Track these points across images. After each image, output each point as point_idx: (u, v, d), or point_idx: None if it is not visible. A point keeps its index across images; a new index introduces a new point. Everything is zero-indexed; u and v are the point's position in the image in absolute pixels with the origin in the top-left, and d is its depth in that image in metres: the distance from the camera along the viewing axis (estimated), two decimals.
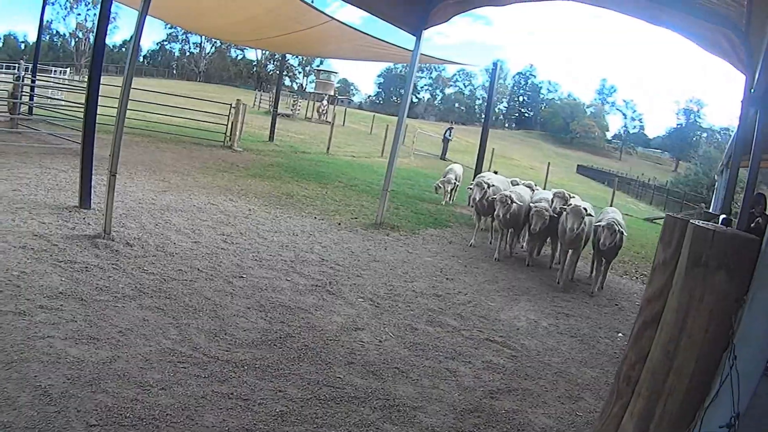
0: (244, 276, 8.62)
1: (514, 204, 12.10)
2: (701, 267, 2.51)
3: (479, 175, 15.74)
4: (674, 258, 2.69)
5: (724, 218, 8.80)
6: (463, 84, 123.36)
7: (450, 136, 42.02)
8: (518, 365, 7.00)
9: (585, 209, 10.99)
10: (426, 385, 6.09)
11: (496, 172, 18.38)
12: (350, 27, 17.12)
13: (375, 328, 7.42)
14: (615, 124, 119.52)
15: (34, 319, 6.15)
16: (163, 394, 5.17)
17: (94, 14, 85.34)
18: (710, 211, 24.50)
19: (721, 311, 2.49)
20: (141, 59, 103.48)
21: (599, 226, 11.01)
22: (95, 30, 10.71)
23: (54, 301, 6.65)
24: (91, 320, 6.38)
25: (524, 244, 13.98)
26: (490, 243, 14.10)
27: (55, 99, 26.94)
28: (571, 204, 11.58)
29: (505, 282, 10.67)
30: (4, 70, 37.96)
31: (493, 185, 13.79)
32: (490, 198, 13.19)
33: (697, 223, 2.61)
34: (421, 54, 15.26)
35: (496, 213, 12.47)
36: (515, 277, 11.17)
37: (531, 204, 12.48)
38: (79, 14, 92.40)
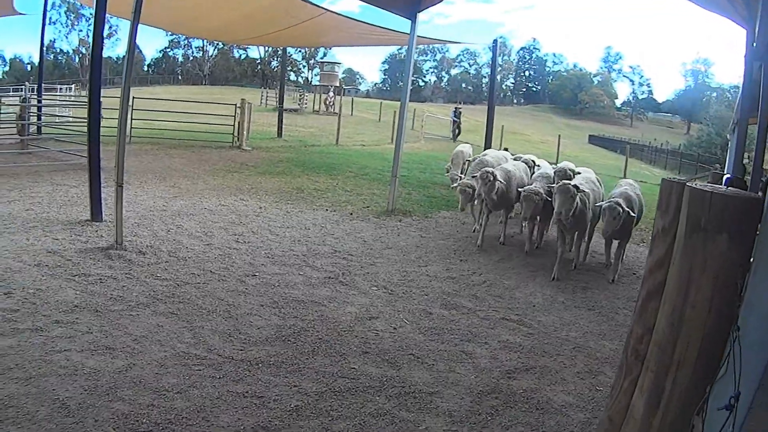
0: (257, 274, 8.63)
1: (497, 182, 10.75)
2: (701, 232, 2.42)
3: (481, 155, 13.86)
4: (673, 224, 2.60)
5: (728, 177, 8.62)
6: (468, 63, 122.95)
7: (458, 116, 41.16)
8: (535, 342, 6.96)
9: (575, 187, 9.58)
10: (442, 370, 6.08)
11: (506, 149, 18.20)
12: (346, 17, 17.07)
13: (389, 316, 7.41)
14: (623, 91, 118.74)
15: (50, 334, 6.21)
16: (178, 398, 5.20)
17: None
18: (725, 172, 24.23)
19: (725, 278, 2.40)
20: (145, 68, 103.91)
21: (600, 206, 9.69)
22: (91, 43, 10.71)
23: (69, 315, 6.71)
24: (106, 330, 6.43)
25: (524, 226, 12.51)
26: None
27: (62, 116, 27.10)
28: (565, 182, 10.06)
29: (519, 259, 10.62)
30: (11, 93, 38.10)
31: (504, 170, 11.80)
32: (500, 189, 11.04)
33: (693, 185, 2.52)
34: (419, 36, 15.18)
35: (477, 192, 11.09)
36: (531, 254, 11.08)
37: (525, 186, 10.97)
38: (80, 31, 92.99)
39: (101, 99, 10.95)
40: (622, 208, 9.13)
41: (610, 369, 6.28)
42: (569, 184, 9.66)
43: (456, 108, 43.19)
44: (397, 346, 6.59)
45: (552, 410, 5.41)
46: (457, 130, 40.62)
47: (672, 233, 2.61)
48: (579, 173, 11.76)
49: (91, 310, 6.92)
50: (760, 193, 2.53)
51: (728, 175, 9.45)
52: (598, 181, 11.38)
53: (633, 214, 9.44)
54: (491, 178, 10.75)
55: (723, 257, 2.40)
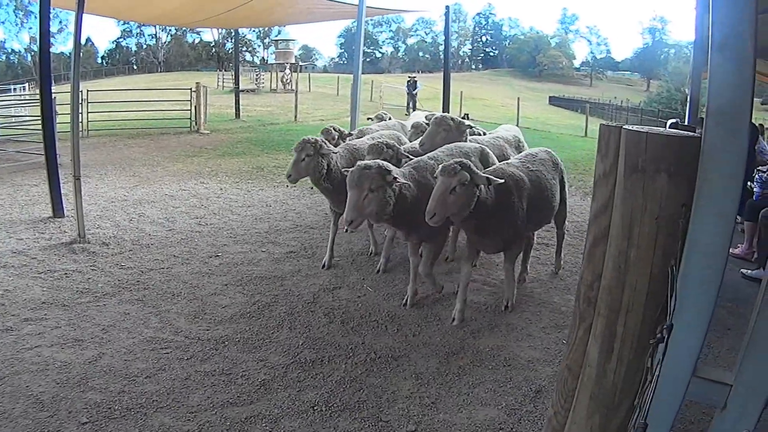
0: (220, 254, 8.68)
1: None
2: (639, 173, 2.44)
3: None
4: (613, 168, 2.62)
5: (672, 122, 8.74)
6: (425, 32, 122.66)
7: (414, 88, 38.23)
8: (500, 301, 7.01)
9: (385, 145, 7.38)
10: (407, 334, 6.15)
11: (466, 115, 18.10)
12: None
13: (353, 285, 7.47)
14: (581, 51, 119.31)
15: (20, 333, 6.21)
16: (148, 382, 5.24)
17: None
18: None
19: (667, 218, 2.41)
20: (99, 60, 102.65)
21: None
22: (38, 40, 10.56)
23: (38, 312, 6.71)
24: (74, 323, 6.45)
25: None
26: None
27: (18, 116, 26.77)
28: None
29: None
30: None
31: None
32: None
33: (629, 128, 2.55)
34: (369, 7, 15.14)
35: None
36: None
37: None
38: (30, 28, 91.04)
39: (54, 95, 10.82)
40: (468, 171, 5.64)
41: None
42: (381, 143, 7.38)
43: (410, 78, 40.54)
44: (363, 314, 6.66)
45: (519, 365, 5.50)
46: (412, 102, 38.24)
47: (613, 177, 2.63)
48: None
49: (58, 305, 6.92)
50: (698, 131, 2.55)
51: (672, 120, 9.55)
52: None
53: (491, 183, 5.81)
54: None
55: (663, 197, 2.42)
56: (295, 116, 29.59)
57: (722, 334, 6.14)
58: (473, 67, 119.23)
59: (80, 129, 21.39)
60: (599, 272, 2.67)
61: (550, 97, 77.43)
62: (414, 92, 38.13)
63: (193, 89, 24.13)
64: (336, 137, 9.48)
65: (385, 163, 6.26)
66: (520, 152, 8.57)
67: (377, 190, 6.00)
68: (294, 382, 5.17)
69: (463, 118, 9.10)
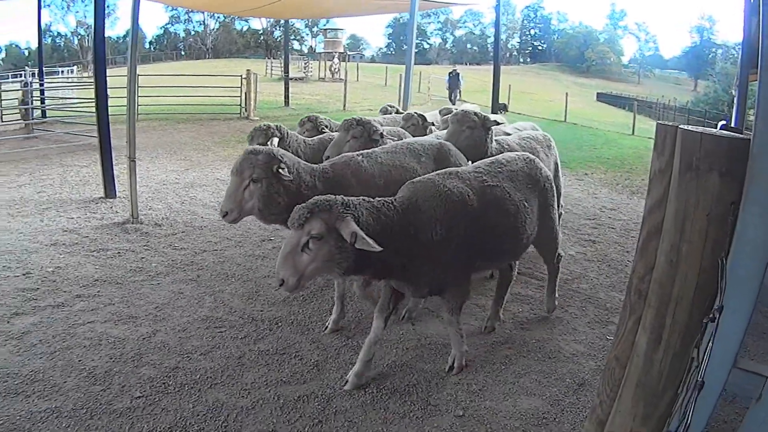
0: (272, 239, 8.87)
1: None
2: (693, 171, 2.53)
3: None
4: (669, 165, 2.70)
5: (722, 124, 8.73)
6: (473, 24, 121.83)
7: (456, 81, 35.50)
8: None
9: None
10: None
11: (504, 105, 17.89)
12: None
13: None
14: (629, 48, 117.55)
15: (73, 309, 6.41)
16: (202, 359, 5.42)
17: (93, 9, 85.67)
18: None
19: (717, 215, 2.51)
20: (147, 45, 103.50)
21: None
22: (93, 24, 10.79)
23: (91, 289, 6.90)
24: (128, 301, 6.64)
25: None
26: None
27: (66, 98, 27.21)
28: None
29: None
30: (10, 80, 38.28)
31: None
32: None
33: (685, 128, 2.64)
34: (421, 0, 15.18)
35: None
36: None
37: None
38: (77, 12, 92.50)
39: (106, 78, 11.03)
40: (326, 217, 4.28)
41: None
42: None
43: (452, 72, 37.26)
44: (414, 302, 6.68)
45: (563, 358, 5.58)
46: (454, 95, 35.37)
47: (668, 174, 2.70)
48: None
49: (112, 282, 7.11)
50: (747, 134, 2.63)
51: (723, 122, 9.51)
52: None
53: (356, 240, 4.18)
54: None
55: (714, 194, 2.50)
56: (344, 105, 29.71)
57: (758, 338, 6.14)
58: (521, 60, 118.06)
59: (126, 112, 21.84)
60: (651, 265, 2.75)
61: (597, 93, 76.61)
62: (456, 85, 35.89)
63: (244, 76, 24.35)
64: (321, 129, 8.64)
65: (280, 151, 5.56)
66: (553, 155, 8.02)
67: (260, 181, 5.31)
68: (346, 363, 5.29)
69: (500, 109, 8.71)
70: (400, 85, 32.19)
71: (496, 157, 5.91)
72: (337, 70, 52.65)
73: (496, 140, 7.25)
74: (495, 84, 20.40)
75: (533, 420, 4.62)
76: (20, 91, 22.41)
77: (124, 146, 9.88)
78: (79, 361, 5.35)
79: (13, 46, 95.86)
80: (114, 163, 11.11)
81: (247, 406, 4.65)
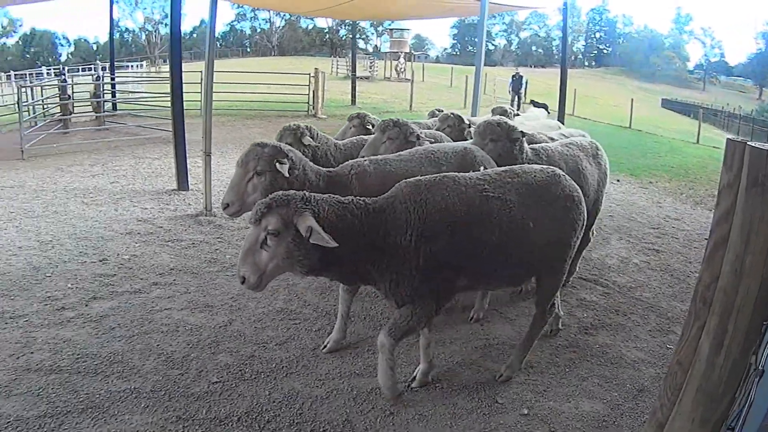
0: None
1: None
2: (759, 186, 2.63)
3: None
4: (737, 180, 2.79)
5: None
6: (538, 26, 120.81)
7: (519, 85, 33.76)
8: (610, 301, 7.18)
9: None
10: (523, 325, 6.32)
11: (545, 105, 17.34)
12: None
13: None
14: (694, 53, 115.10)
15: (150, 295, 6.74)
16: (278, 349, 5.68)
17: (160, 6, 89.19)
18: None
19: None
20: None
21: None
22: (169, 22, 11.09)
23: (167, 277, 7.21)
24: (204, 290, 6.95)
25: None
26: None
27: (136, 92, 27.88)
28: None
29: (596, 222, 10.55)
30: (80, 73, 39.32)
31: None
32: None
33: (753, 144, 2.74)
34: (491, 3, 15.20)
35: None
36: (606, 216, 11.17)
37: None
38: (145, 8, 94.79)
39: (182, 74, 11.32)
40: (282, 213, 4.17)
41: (680, 328, 6.43)
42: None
43: (515, 74, 34.61)
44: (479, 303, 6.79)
45: (625, 364, 5.68)
46: (517, 98, 33.50)
47: (735, 188, 2.80)
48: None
49: (187, 272, 7.42)
50: None
51: None
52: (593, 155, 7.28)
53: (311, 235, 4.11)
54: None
55: None
56: (411, 105, 29.79)
57: None
58: (585, 64, 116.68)
59: (200, 108, 22.33)
60: (717, 274, 2.85)
61: (662, 99, 75.37)
62: (519, 89, 34.02)
63: (312, 74, 24.63)
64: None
65: (288, 148, 5.56)
66: (601, 165, 7.22)
67: (264, 175, 5.36)
68: (417, 359, 5.43)
69: (541, 105, 8.13)
70: (466, 87, 32.19)
71: (514, 166, 5.27)
72: (402, 69, 52.69)
73: (533, 148, 6.78)
74: (562, 88, 20.21)
75: (593, 422, 4.74)
76: (92, 85, 23.07)
77: (195, 141, 10.15)
78: (157, 345, 5.68)
79: (82, 40, 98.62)
80: (186, 156, 11.42)
81: (322, 396, 4.87)
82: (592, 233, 7.73)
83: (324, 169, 5.78)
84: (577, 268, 7.80)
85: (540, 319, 5.37)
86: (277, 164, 5.29)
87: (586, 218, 5.23)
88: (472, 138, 7.01)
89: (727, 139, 2.95)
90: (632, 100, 35.42)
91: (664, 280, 8.10)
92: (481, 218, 4.58)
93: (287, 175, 5.29)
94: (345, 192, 4.93)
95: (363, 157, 6.21)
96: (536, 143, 7.17)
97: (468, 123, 8.05)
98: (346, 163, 5.90)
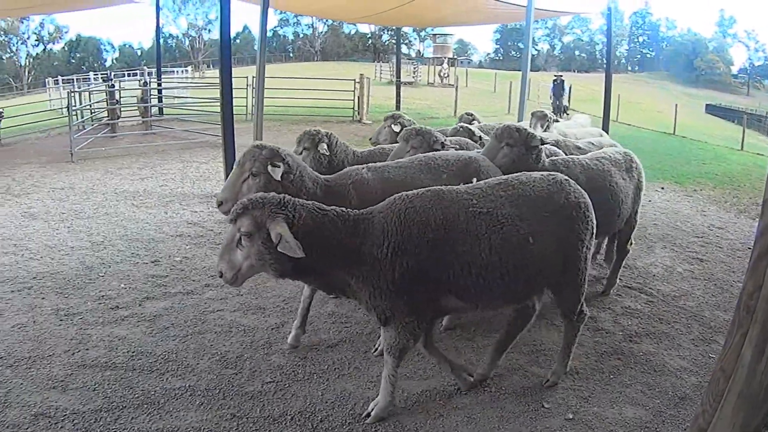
0: None
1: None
2: None
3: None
4: None
5: None
6: (581, 30, 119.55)
7: (561, 90, 31.95)
8: (654, 310, 7.21)
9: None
10: None
11: (566, 108, 16.95)
12: None
13: None
14: (739, 57, 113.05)
15: (202, 297, 6.97)
16: (330, 351, 5.87)
17: (204, 12, 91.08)
18: None
19: None
20: (256, 47, 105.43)
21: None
22: (219, 27, 11.32)
23: (219, 280, 7.32)
24: (256, 293, 7.14)
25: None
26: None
27: (181, 97, 28.30)
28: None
29: (640, 230, 10.53)
30: (126, 78, 40.02)
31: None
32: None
33: None
34: (536, 9, 15.25)
35: None
36: (651, 224, 11.17)
37: None
38: (188, 15, 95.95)
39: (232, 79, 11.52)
40: (256, 215, 4.23)
41: (723, 338, 6.43)
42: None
43: (556, 77, 33.29)
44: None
45: (668, 372, 5.74)
46: (559, 103, 31.55)
47: None
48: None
49: None
50: None
51: None
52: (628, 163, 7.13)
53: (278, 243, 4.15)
54: None
55: None
56: (455, 111, 29.76)
57: None
58: (629, 68, 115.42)
59: (245, 113, 22.63)
60: (760, 284, 2.93)
61: (706, 104, 74.27)
62: (561, 94, 32.21)
63: (357, 80, 24.85)
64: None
65: (287, 152, 5.60)
66: (635, 177, 7.08)
67: (259, 176, 5.43)
68: (467, 363, 5.60)
69: (564, 111, 7.87)
70: (510, 92, 32.09)
71: (513, 175, 5.06)
72: (446, 75, 52.58)
73: (554, 161, 6.62)
74: (607, 94, 20.12)
75: (636, 428, 4.83)
76: (139, 90, 23.52)
77: (244, 146, 10.34)
78: (211, 345, 5.91)
79: (127, 46, 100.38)
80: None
81: (373, 397, 4.98)
82: (630, 243, 7.65)
83: (323, 176, 5.84)
84: (619, 279, 7.84)
85: (571, 328, 5.38)
86: (269, 167, 5.37)
87: (595, 225, 5.08)
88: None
89: None
90: (676, 105, 35.05)
91: (707, 289, 8.09)
92: (465, 235, 4.47)
93: (278, 178, 5.36)
94: (342, 200, 5.06)
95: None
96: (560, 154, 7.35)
97: (479, 136, 8.14)
98: (346, 170, 5.98)
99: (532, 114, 9.97)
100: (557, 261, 4.85)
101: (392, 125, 8.45)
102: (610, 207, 6.63)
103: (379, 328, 5.55)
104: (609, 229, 7.15)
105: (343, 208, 4.49)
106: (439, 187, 4.79)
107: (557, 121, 10.53)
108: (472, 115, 10.61)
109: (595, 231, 5.10)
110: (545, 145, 6.63)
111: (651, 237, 10.34)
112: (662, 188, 14.84)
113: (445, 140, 7.03)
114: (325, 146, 6.65)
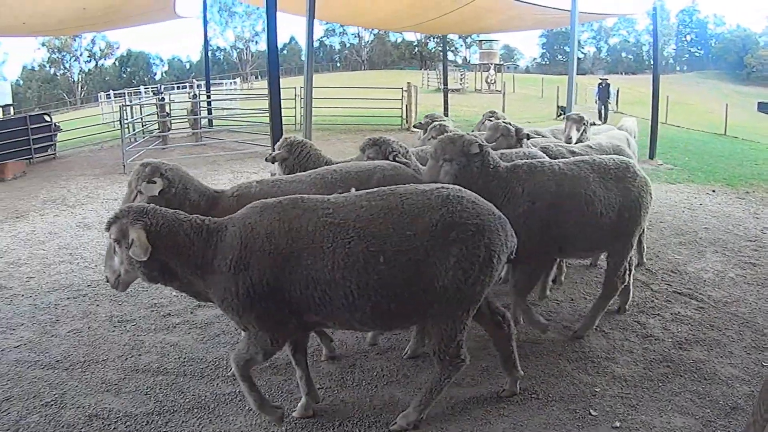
0: None
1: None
2: None
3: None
4: None
5: None
6: (627, 31, 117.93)
7: (607, 94, 31.89)
8: (705, 316, 7.11)
9: None
10: (617, 338, 6.44)
11: (563, 108, 16.65)
12: None
13: (566, 288, 7.73)
14: None
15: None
16: (378, 359, 5.95)
17: (250, 25, 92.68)
18: None
19: None
20: (303, 58, 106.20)
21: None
22: (267, 39, 11.45)
23: None
24: None
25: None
26: None
27: (230, 108, 28.73)
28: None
29: (691, 235, 10.60)
30: (176, 91, 40.71)
31: None
32: None
33: None
34: (580, 12, 15.19)
35: None
36: (702, 228, 11.03)
37: None
38: (235, 27, 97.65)
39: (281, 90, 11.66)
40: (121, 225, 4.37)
41: None
42: None
43: (601, 81, 32.60)
44: (576, 317, 6.97)
45: (718, 381, 5.64)
46: (604, 108, 31.54)
47: None
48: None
49: None
50: None
51: None
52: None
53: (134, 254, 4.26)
54: None
55: None
56: None
57: None
58: (678, 68, 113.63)
59: (295, 123, 22.87)
60: None
61: (758, 102, 72.64)
62: (607, 98, 32.01)
63: (405, 88, 24.95)
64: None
65: (169, 167, 5.72)
66: (630, 189, 6.13)
67: (139, 194, 5.59)
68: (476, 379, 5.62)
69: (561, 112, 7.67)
70: (557, 97, 31.92)
71: (396, 186, 4.64)
72: (493, 81, 52.47)
73: (517, 164, 5.97)
74: (654, 95, 19.89)
75: None
76: (189, 102, 23.96)
77: None
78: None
79: (176, 60, 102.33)
80: None
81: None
82: (624, 282, 6.64)
83: (213, 189, 5.97)
84: (668, 285, 7.91)
85: (439, 372, 4.69)
86: (144, 184, 5.51)
87: (502, 252, 4.44)
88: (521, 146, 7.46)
89: None
90: (726, 105, 34.47)
91: (761, 295, 7.92)
92: (311, 247, 4.22)
93: (154, 193, 5.47)
94: (226, 213, 4.90)
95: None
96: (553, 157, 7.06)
97: (516, 130, 7.80)
98: (238, 183, 6.11)
99: (567, 117, 9.67)
100: (427, 288, 4.29)
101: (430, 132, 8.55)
102: (584, 218, 5.86)
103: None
104: (587, 244, 6.28)
105: (206, 218, 4.52)
106: (299, 195, 4.59)
107: (594, 124, 10.22)
108: (494, 113, 10.56)
109: (502, 258, 4.46)
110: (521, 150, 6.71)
111: (702, 241, 10.20)
112: (713, 191, 14.66)
113: (409, 151, 6.98)
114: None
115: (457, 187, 4.59)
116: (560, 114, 26.03)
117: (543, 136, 9.40)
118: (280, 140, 6.99)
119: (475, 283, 4.32)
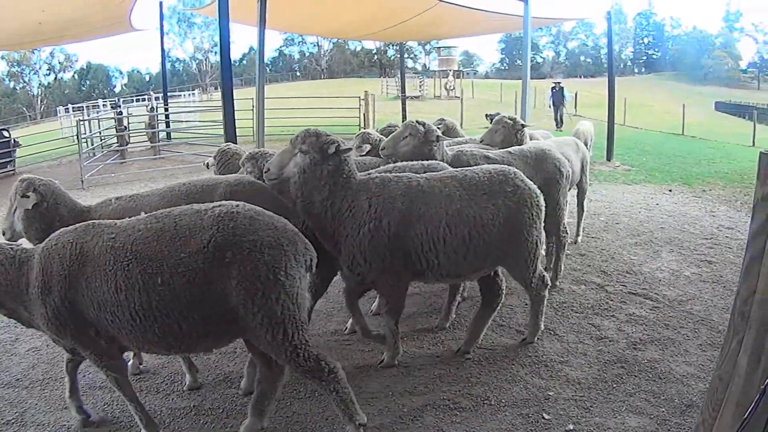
0: None
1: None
2: None
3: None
4: None
5: None
6: (585, 35, 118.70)
7: (561, 98, 32.08)
8: (660, 316, 7.13)
9: None
10: (571, 341, 6.42)
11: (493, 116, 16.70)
12: (458, 5, 17.17)
13: (522, 292, 7.61)
14: (747, 51, 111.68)
15: None
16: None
17: (209, 35, 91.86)
18: None
19: None
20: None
21: None
22: (219, 52, 11.37)
23: None
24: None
25: None
26: None
27: (189, 121, 28.54)
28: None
29: (647, 235, 10.68)
30: (134, 104, 40.46)
31: None
32: None
33: None
34: (534, 18, 15.26)
35: None
36: (658, 228, 11.12)
37: None
38: (194, 38, 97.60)
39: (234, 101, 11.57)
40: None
41: None
42: None
43: (554, 86, 33.07)
44: (524, 321, 6.87)
45: (673, 380, 5.64)
46: (559, 113, 31.95)
47: None
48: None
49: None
50: None
51: None
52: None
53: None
54: None
55: None
56: (461, 123, 29.76)
57: None
58: (636, 70, 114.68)
59: (253, 134, 22.74)
60: (754, 288, 2.88)
61: (715, 102, 73.67)
62: (561, 101, 32.06)
63: (362, 97, 24.89)
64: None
65: (40, 182, 5.76)
66: (512, 207, 5.66)
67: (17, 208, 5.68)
68: (466, 377, 5.62)
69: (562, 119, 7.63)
70: (516, 102, 32.05)
71: (175, 208, 4.55)
72: (452, 87, 52.80)
73: (371, 178, 5.71)
74: (610, 98, 20.07)
75: None
76: (147, 116, 23.78)
77: None
78: (215, 366, 6.11)
79: (135, 72, 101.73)
80: None
81: (373, 413, 5.01)
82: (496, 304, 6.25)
83: (81, 205, 5.97)
84: (623, 285, 8.01)
85: (320, 386, 4.57)
86: (19, 198, 5.59)
87: (294, 261, 4.25)
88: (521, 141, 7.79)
89: (761, 152, 2.96)
90: (683, 105, 34.87)
91: (716, 292, 7.98)
92: (98, 269, 4.19)
93: (28, 207, 5.55)
94: None
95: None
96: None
97: (425, 132, 7.59)
98: (106, 198, 6.15)
99: (496, 122, 8.89)
100: (222, 309, 4.18)
101: (361, 145, 8.29)
102: (445, 241, 5.45)
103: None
104: (455, 270, 5.67)
105: (19, 248, 4.54)
106: (94, 221, 4.55)
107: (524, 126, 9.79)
108: (443, 120, 10.64)
109: (292, 273, 4.23)
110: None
111: (657, 241, 10.27)
112: (670, 191, 14.81)
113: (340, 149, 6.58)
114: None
115: (237, 203, 4.42)
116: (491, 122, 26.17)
117: (473, 141, 9.15)
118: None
119: (267, 302, 4.12)
